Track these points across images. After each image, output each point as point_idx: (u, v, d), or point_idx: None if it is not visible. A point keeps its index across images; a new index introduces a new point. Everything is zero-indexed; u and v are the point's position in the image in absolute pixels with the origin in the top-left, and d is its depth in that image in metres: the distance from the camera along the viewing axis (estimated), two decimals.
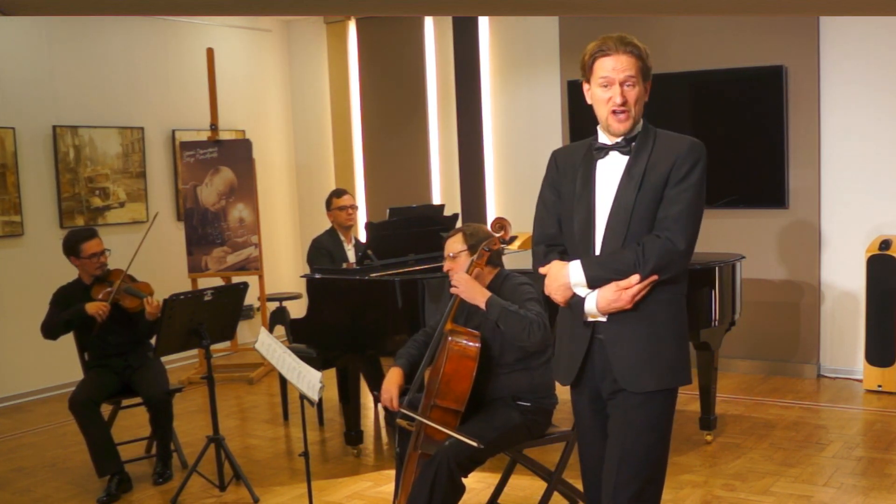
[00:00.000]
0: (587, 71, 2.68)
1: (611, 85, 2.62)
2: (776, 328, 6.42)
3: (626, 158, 2.67)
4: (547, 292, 2.75)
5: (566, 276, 2.67)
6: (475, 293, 3.50)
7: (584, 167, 2.72)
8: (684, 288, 2.74)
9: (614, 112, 2.63)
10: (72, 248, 4.76)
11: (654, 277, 2.59)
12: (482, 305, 3.48)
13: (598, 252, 2.67)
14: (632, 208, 2.62)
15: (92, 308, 4.63)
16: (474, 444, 3.30)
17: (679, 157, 2.62)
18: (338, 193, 5.90)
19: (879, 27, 5.94)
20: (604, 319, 2.66)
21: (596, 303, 2.63)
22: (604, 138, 2.71)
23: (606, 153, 2.70)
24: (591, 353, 2.71)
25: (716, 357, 4.92)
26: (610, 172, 2.69)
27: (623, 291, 2.59)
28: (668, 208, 2.61)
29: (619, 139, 2.67)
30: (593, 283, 2.63)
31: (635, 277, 2.58)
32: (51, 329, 4.75)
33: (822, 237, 6.26)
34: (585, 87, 2.72)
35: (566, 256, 2.74)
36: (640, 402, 2.64)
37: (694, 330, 4.75)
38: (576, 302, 2.68)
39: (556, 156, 2.85)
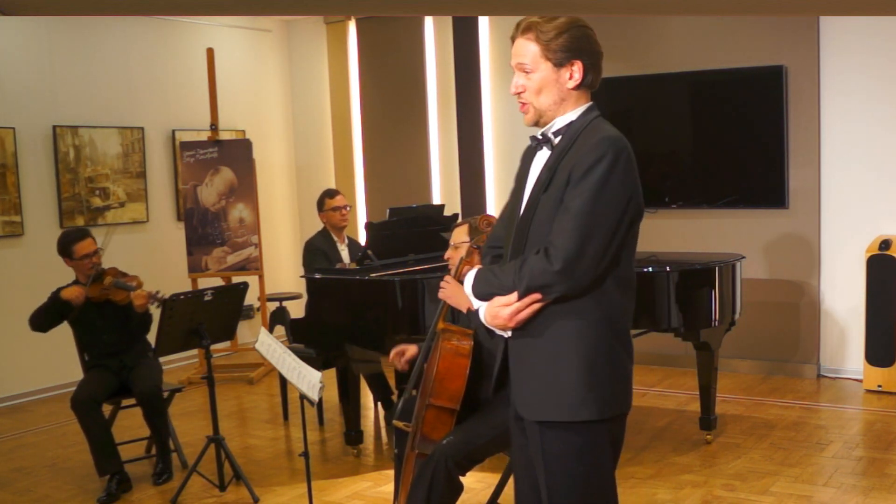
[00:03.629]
0: None
1: (516, 73, 2.37)
2: (776, 328, 6.41)
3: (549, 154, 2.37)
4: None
5: (465, 286, 2.42)
6: (460, 299, 3.47)
7: (524, 163, 2.48)
8: (610, 310, 2.29)
9: (521, 104, 2.38)
10: (64, 249, 4.75)
11: (536, 297, 2.24)
12: (464, 310, 3.46)
13: (508, 259, 2.38)
14: (533, 212, 2.31)
15: (67, 293, 4.64)
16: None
17: (582, 153, 2.22)
18: (330, 194, 5.81)
19: (879, 27, 5.93)
20: (508, 335, 2.36)
21: (483, 317, 2.37)
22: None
23: (540, 147, 2.41)
24: (506, 368, 2.43)
25: (716, 357, 4.92)
26: (537, 170, 2.40)
27: (502, 308, 2.29)
28: (559, 216, 2.23)
29: (541, 132, 2.40)
30: (479, 298, 2.37)
31: (514, 295, 2.27)
32: (34, 319, 4.75)
33: (822, 237, 6.26)
34: None
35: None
36: (555, 431, 2.29)
37: (694, 330, 4.76)
38: (475, 314, 2.42)
39: (526, 148, 2.57)
